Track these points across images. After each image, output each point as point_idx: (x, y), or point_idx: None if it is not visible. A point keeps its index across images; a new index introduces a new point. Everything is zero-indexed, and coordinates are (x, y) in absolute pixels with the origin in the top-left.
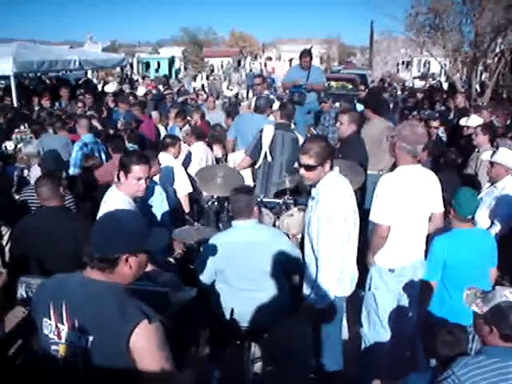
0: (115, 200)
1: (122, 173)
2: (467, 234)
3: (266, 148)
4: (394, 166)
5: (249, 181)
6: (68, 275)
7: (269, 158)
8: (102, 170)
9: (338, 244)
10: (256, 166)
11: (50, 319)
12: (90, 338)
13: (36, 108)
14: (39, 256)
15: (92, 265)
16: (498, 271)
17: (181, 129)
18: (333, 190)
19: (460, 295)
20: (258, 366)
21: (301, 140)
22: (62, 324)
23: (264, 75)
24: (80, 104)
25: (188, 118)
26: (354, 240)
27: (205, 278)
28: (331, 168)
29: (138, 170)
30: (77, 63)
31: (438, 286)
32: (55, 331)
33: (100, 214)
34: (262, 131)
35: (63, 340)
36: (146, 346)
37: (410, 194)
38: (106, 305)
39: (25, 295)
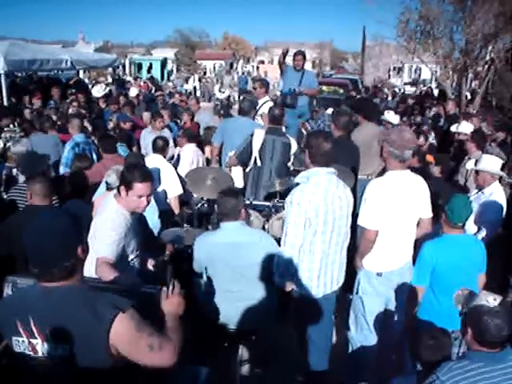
0: (111, 212)
1: (122, 187)
2: (457, 240)
3: (255, 153)
4: (382, 172)
5: (239, 183)
6: (26, 289)
7: (258, 163)
8: (92, 171)
9: (291, 231)
10: (246, 170)
11: (20, 336)
12: (67, 347)
13: (27, 107)
14: (25, 255)
15: (48, 278)
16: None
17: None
18: (304, 185)
19: (448, 300)
20: (246, 368)
21: (294, 144)
22: (35, 338)
23: (265, 79)
24: (75, 103)
25: (177, 119)
26: (328, 239)
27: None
28: (323, 165)
29: (140, 187)
30: (68, 63)
31: (426, 291)
32: (29, 347)
33: (95, 221)
34: (252, 135)
35: (40, 353)
36: (127, 336)
37: (398, 199)
38: (75, 310)
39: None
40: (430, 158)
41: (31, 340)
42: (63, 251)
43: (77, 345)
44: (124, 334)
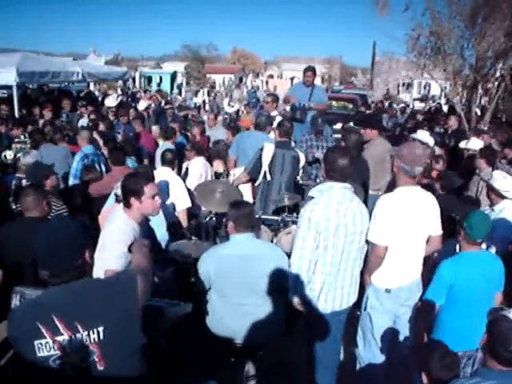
0: (120, 224)
1: (132, 198)
2: (476, 258)
3: (265, 167)
4: (391, 186)
5: (248, 197)
6: (39, 295)
7: (268, 177)
8: (100, 183)
9: (301, 244)
10: (256, 184)
11: (43, 338)
12: (101, 328)
13: (38, 118)
14: (13, 265)
15: (58, 280)
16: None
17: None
18: (317, 198)
19: (463, 320)
20: None
21: (302, 158)
22: (61, 335)
23: (277, 94)
24: (92, 116)
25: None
26: (340, 254)
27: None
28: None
29: (150, 188)
30: (79, 75)
31: (442, 310)
32: (54, 346)
33: (103, 233)
34: (262, 149)
35: (68, 349)
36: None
37: (407, 215)
38: (98, 291)
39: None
40: (434, 173)
41: (56, 338)
42: (72, 250)
43: (110, 322)
44: (142, 287)
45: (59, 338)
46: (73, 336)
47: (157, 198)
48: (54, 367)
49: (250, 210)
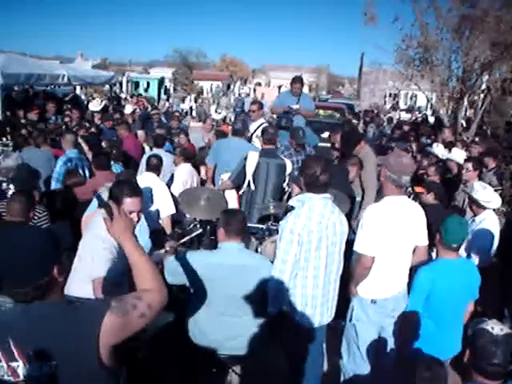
0: (101, 231)
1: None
2: (452, 265)
3: (249, 176)
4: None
5: (233, 204)
6: (3, 310)
7: (252, 187)
8: (83, 187)
9: (282, 257)
10: (240, 192)
11: None
12: (54, 363)
13: (22, 121)
14: None
15: (21, 298)
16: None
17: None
18: (298, 209)
19: (440, 326)
20: None
21: (288, 164)
22: (16, 361)
23: (261, 101)
24: (86, 124)
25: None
26: (324, 266)
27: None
28: (318, 192)
29: (129, 202)
30: (65, 78)
31: (420, 318)
32: (8, 372)
33: (84, 239)
34: (246, 159)
35: (21, 377)
36: (117, 326)
37: (394, 225)
38: (57, 323)
39: None
40: (418, 189)
41: (10, 364)
42: (36, 267)
43: (63, 359)
44: (113, 327)
45: (13, 364)
46: (28, 364)
47: (133, 215)
48: None
49: (241, 218)
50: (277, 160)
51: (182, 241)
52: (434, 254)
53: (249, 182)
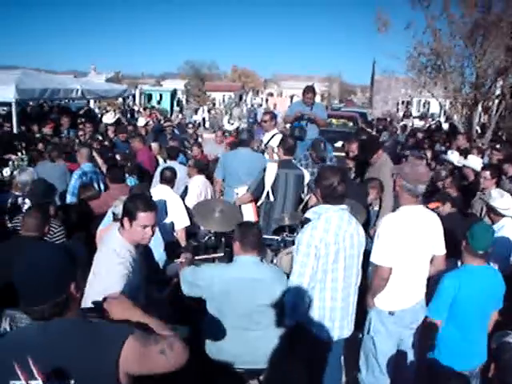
0: (115, 246)
1: (126, 219)
2: (478, 272)
3: (268, 187)
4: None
5: (250, 217)
6: (23, 327)
7: (271, 198)
8: (98, 201)
9: (299, 270)
10: (258, 204)
11: (18, 380)
12: (72, 382)
13: (37, 135)
14: (4, 286)
15: (38, 315)
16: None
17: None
18: (315, 222)
19: (465, 334)
20: None
21: (306, 175)
22: (35, 379)
23: (274, 112)
24: (99, 137)
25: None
26: (342, 278)
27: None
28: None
29: (144, 217)
30: (79, 92)
31: (443, 326)
32: None
33: (98, 254)
34: (265, 170)
35: None
36: (137, 355)
37: (412, 236)
38: (77, 343)
39: (8, 329)
40: (432, 205)
41: (30, 382)
42: (53, 285)
43: (81, 379)
44: (134, 355)
45: (33, 383)
46: (47, 382)
47: (147, 229)
48: None
49: (257, 231)
50: (295, 171)
51: (199, 258)
52: (459, 263)
53: (268, 193)
